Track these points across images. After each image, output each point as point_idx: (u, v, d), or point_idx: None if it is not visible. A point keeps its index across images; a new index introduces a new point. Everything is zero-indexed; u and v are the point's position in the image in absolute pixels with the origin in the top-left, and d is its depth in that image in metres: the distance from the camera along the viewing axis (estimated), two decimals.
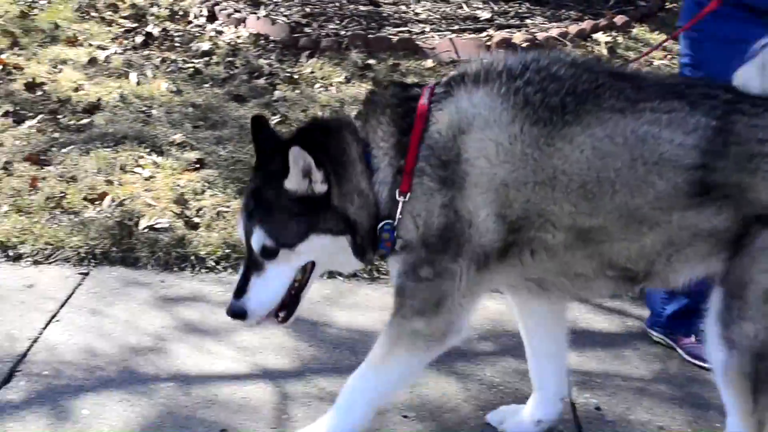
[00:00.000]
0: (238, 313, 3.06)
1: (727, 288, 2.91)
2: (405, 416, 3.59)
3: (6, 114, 6.32)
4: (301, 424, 3.48)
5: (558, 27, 8.21)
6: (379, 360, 3.13)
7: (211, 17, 8.38)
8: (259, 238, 3.00)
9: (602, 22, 8.33)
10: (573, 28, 8.12)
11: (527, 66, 2.98)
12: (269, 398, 3.66)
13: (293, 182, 2.95)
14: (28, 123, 6.20)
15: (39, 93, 6.73)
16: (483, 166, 2.90)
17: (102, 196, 5.19)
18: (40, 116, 6.29)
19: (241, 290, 3.05)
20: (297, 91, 6.87)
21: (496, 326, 4.25)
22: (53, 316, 4.22)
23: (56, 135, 6.01)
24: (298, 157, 2.91)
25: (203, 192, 5.28)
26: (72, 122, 6.24)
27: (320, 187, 2.96)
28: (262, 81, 7.07)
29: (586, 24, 8.25)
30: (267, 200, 3.00)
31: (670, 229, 2.91)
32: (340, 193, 3.00)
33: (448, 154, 2.93)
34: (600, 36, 8.06)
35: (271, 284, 3.05)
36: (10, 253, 4.73)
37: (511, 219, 2.92)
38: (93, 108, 6.45)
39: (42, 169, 5.53)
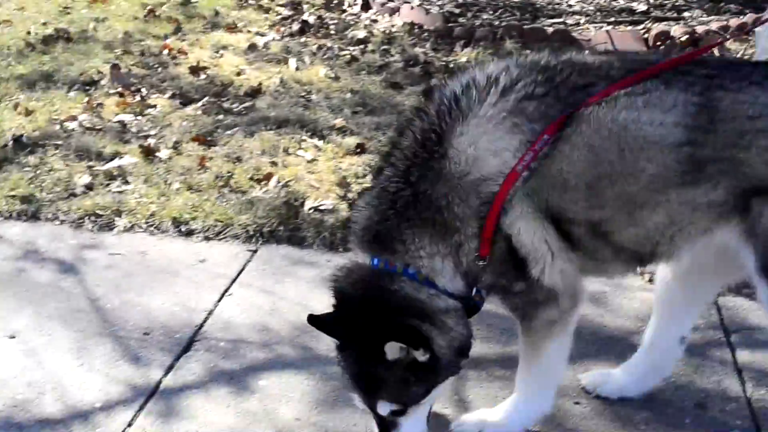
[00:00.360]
0: None
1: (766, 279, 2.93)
2: (577, 403, 3.56)
3: (173, 96, 6.56)
4: (473, 405, 3.51)
5: (718, 20, 7.99)
6: (534, 359, 3.24)
7: (365, 6, 8.47)
8: (384, 408, 3.02)
9: (765, 15, 8.04)
10: (733, 22, 7.89)
11: (505, 79, 2.95)
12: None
13: (394, 355, 2.93)
14: (193, 105, 6.42)
15: (203, 77, 6.95)
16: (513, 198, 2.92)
17: (268, 176, 5.32)
18: (204, 99, 6.50)
19: None
20: None
21: None
22: (225, 291, 4.35)
23: (220, 117, 6.20)
24: (394, 348, 2.90)
25: (365, 176, 5.33)
26: (235, 105, 6.42)
27: (423, 357, 2.93)
28: (417, 69, 7.10)
29: (747, 17, 8.00)
30: (379, 378, 2.97)
31: (670, 208, 2.92)
32: (441, 346, 2.96)
33: (481, 199, 2.94)
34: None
35: None
36: (183, 228, 4.89)
37: (545, 218, 2.96)
38: (255, 92, 6.62)
39: (209, 149, 5.71)
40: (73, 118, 6.19)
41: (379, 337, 2.88)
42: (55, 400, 3.58)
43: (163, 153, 5.63)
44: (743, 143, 2.84)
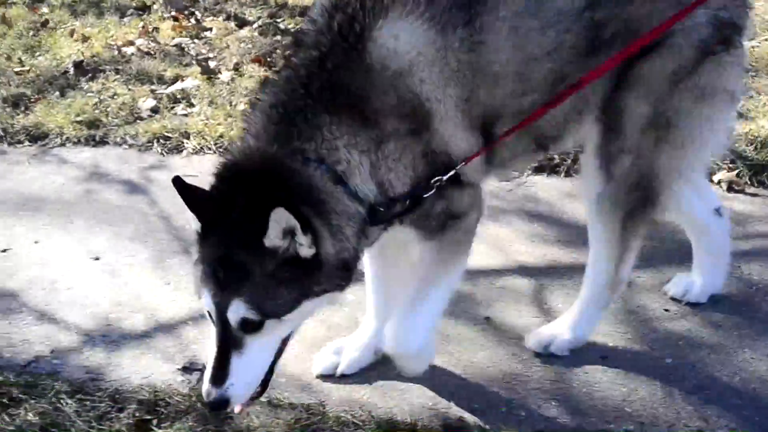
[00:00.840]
0: (220, 404, 2.61)
1: (605, 122, 2.98)
2: (666, 310, 3.55)
3: (227, 18, 6.52)
4: (561, 312, 3.49)
5: None
6: (442, 278, 3.01)
7: None
8: (238, 311, 2.53)
9: None
10: None
11: None
12: (525, 289, 3.69)
13: (273, 241, 2.51)
14: (248, 27, 6.39)
15: None
16: (438, 97, 2.75)
17: None
18: (259, 20, 6.44)
19: (220, 375, 2.58)
20: None
21: None
22: None
23: (278, 38, 6.16)
24: (281, 220, 2.47)
25: None
26: (291, 26, 6.38)
27: (306, 251, 2.54)
28: None
29: None
30: (243, 265, 2.53)
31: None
32: (328, 252, 2.61)
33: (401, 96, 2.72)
34: None
35: (255, 362, 2.63)
36: None
37: (476, 126, 2.83)
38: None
39: (269, 69, 5.67)
40: (130, 43, 6.19)
41: (263, 216, 2.46)
42: (147, 318, 3.63)
43: (225, 75, 5.62)
44: None
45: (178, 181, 2.53)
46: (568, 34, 2.83)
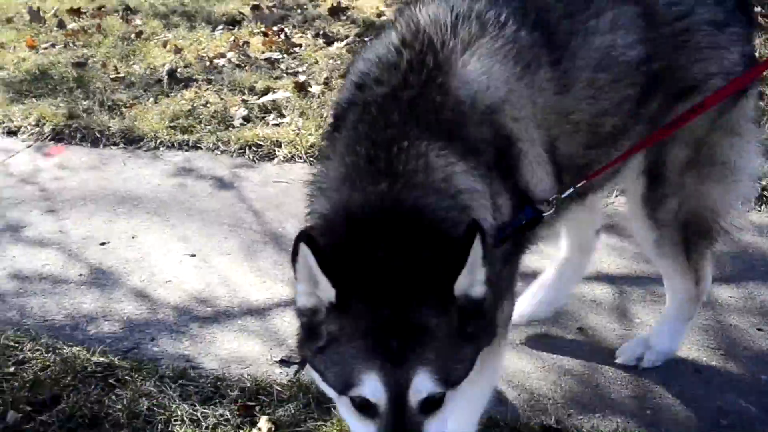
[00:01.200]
0: None
1: (647, 173, 2.97)
2: (760, 329, 3.55)
3: (316, 35, 6.65)
4: (645, 326, 3.54)
5: None
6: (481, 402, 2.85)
7: None
8: (423, 386, 2.09)
9: None
10: None
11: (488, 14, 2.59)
12: (616, 301, 3.72)
13: (465, 282, 2.13)
14: (337, 44, 6.50)
15: (343, 17, 7.02)
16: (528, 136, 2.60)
17: None
18: (348, 38, 6.56)
19: None
20: None
21: None
22: None
23: None
24: (477, 247, 2.10)
25: None
26: None
27: (480, 290, 2.18)
28: None
29: None
30: (426, 324, 2.10)
31: (636, 133, 2.83)
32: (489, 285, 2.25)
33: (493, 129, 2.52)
34: None
35: None
36: None
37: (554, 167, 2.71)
38: None
39: None
40: (222, 56, 6.34)
41: (444, 257, 2.11)
42: (241, 309, 3.76)
43: (315, 89, 5.72)
44: (677, 43, 2.79)
45: (304, 237, 2.07)
46: (632, 88, 2.76)
